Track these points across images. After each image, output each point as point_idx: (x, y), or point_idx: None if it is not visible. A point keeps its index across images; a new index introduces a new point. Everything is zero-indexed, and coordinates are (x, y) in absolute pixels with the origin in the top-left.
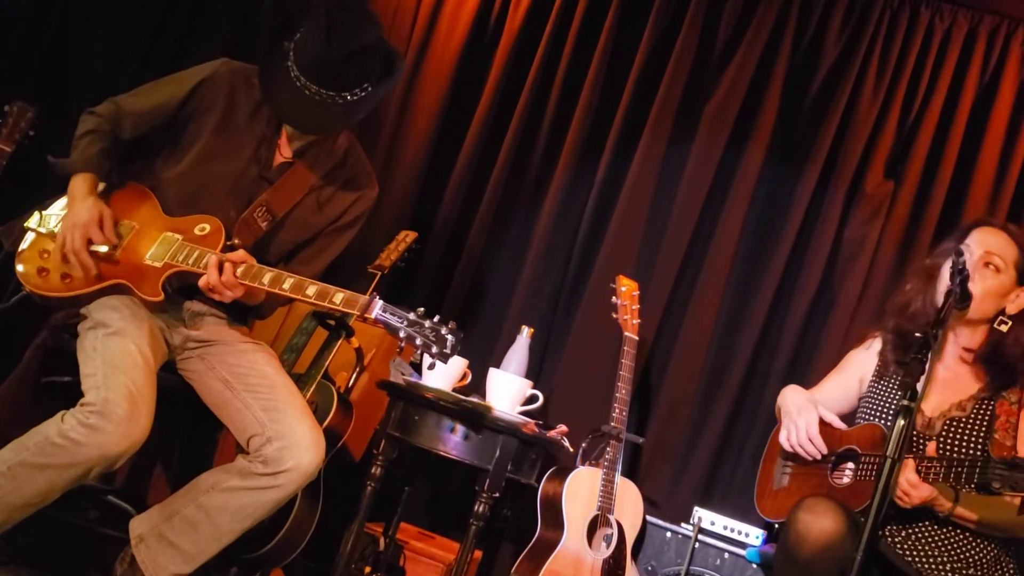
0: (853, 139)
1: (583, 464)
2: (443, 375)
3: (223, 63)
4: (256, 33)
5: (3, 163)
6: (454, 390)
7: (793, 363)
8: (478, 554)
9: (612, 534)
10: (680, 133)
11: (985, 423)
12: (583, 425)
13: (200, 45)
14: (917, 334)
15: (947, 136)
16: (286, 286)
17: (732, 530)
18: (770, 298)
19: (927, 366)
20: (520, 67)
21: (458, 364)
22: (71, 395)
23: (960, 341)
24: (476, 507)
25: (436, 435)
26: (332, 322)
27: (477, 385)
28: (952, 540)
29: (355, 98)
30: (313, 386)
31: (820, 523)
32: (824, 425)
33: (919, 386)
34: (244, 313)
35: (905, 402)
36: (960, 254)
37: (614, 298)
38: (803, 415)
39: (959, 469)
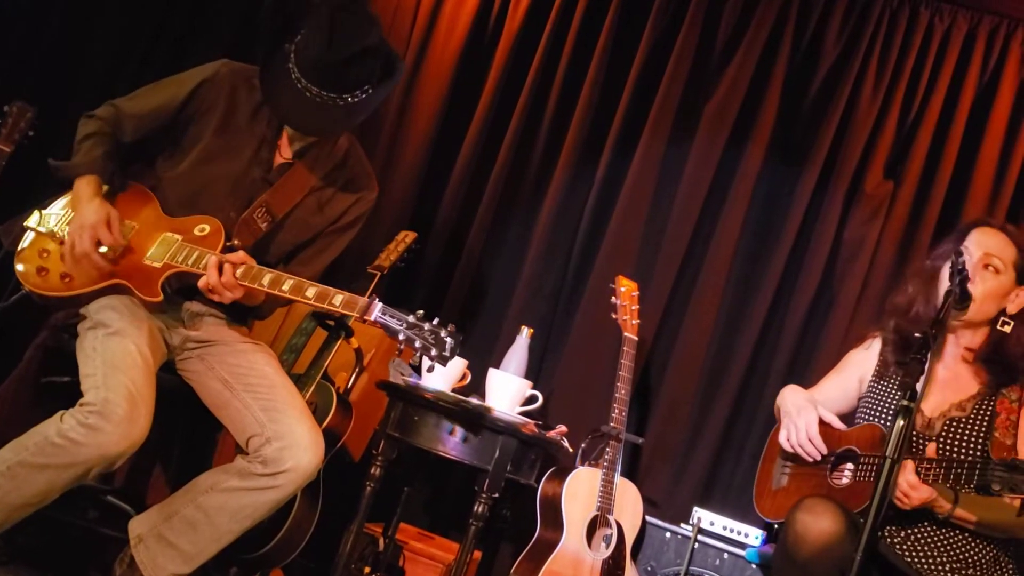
0: (853, 139)
1: (582, 464)
2: (443, 376)
3: (224, 64)
4: (256, 34)
5: (3, 163)
6: (454, 390)
7: (793, 363)
8: (477, 554)
9: (611, 534)
10: (680, 133)
11: (985, 423)
12: (583, 425)
13: (200, 45)
14: (917, 334)
15: (947, 136)
16: (285, 287)
17: (731, 530)
18: (770, 298)
19: (926, 366)
20: (520, 67)
21: (457, 365)
22: (71, 395)
23: (961, 342)
24: (475, 507)
25: (435, 435)
26: (331, 322)
27: (477, 385)
28: (951, 540)
29: (356, 100)
30: (312, 386)
31: (819, 523)
32: (823, 425)
33: (918, 386)
34: (243, 314)
35: (904, 402)
36: (960, 255)
37: (614, 298)
38: (803, 415)
39: (959, 470)
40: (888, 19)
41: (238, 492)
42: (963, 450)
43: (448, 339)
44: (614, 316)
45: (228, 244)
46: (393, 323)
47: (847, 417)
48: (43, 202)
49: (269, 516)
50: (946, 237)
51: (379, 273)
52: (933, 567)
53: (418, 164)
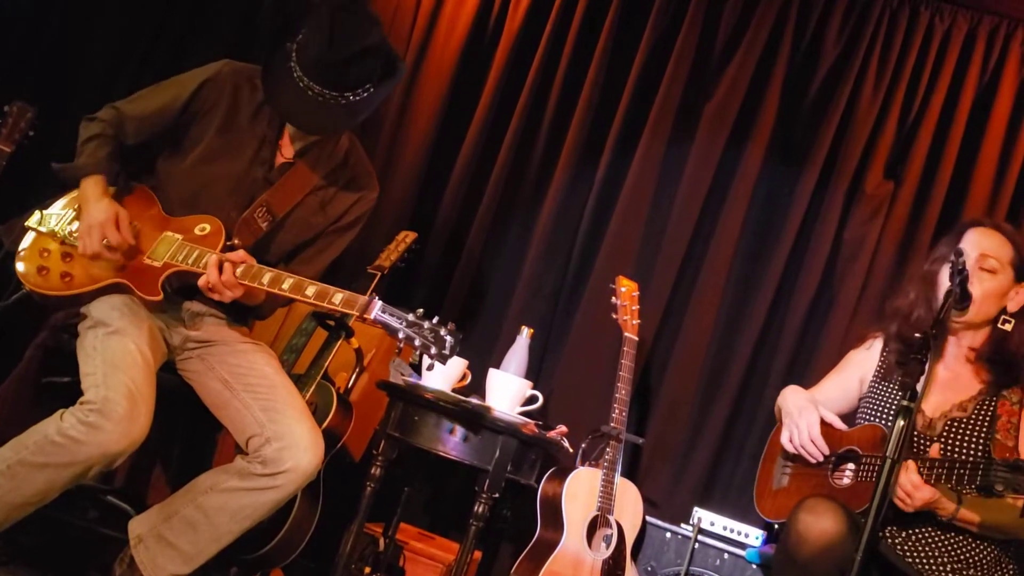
0: (853, 139)
1: (583, 465)
2: (443, 376)
3: (225, 64)
4: (257, 33)
5: (3, 163)
6: (454, 390)
7: (793, 363)
8: (478, 554)
9: (612, 534)
10: (680, 133)
11: (986, 423)
12: (583, 425)
13: (200, 46)
14: (918, 334)
15: (947, 136)
16: (285, 286)
17: (732, 531)
18: (770, 298)
19: (927, 366)
20: (520, 67)
21: (458, 364)
22: (70, 395)
23: (963, 343)
24: (476, 507)
25: (436, 435)
26: (332, 323)
27: (477, 385)
28: (952, 541)
29: (357, 98)
30: (313, 387)
31: (820, 523)
32: (825, 426)
33: (919, 387)
34: (244, 314)
35: (905, 403)
36: (959, 255)
37: (614, 298)
38: (804, 416)
39: (961, 471)
40: (888, 19)
41: (238, 492)
42: (965, 450)
43: (448, 337)
44: (614, 316)
45: (228, 243)
46: (393, 321)
47: (847, 417)
48: (44, 202)
49: (269, 516)
50: (943, 239)
51: (379, 273)
52: (934, 567)
53: (418, 164)
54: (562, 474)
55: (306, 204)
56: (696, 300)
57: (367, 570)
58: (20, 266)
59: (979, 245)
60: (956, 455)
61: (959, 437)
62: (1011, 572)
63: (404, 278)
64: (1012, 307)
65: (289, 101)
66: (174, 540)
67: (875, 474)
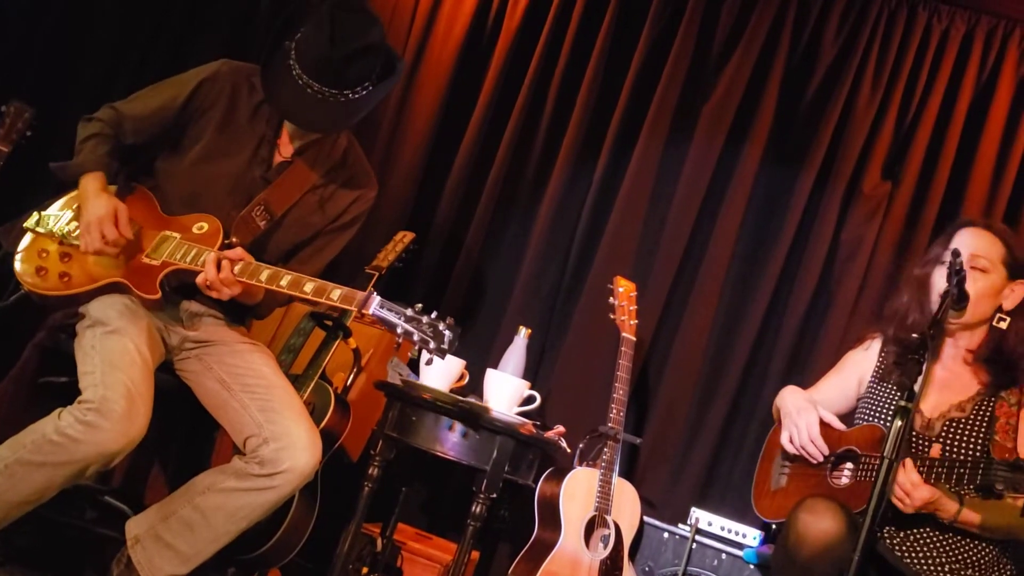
0: (850, 140)
1: (580, 465)
2: (441, 375)
3: (224, 63)
4: (255, 32)
5: (0, 163)
6: (451, 390)
7: (791, 364)
8: (475, 555)
9: (609, 535)
10: (678, 133)
11: (985, 424)
12: (581, 426)
13: (198, 45)
14: (915, 335)
15: (944, 137)
16: (284, 283)
17: (729, 531)
18: (767, 299)
19: (924, 367)
20: (518, 67)
21: (456, 364)
22: (68, 395)
23: (960, 344)
24: (473, 508)
25: (433, 436)
26: (329, 323)
27: (475, 386)
28: (950, 541)
29: (357, 96)
30: (310, 387)
31: (820, 523)
32: (823, 426)
33: (916, 387)
34: (242, 314)
35: (902, 403)
36: (957, 255)
37: (612, 299)
38: (803, 416)
39: (961, 471)
40: (886, 19)
41: (235, 493)
42: (964, 451)
43: (447, 332)
44: (612, 316)
45: (227, 241)
46: (391, 316)
47: (846, 418)
48: (42, 203)
49: (267, 517)
50: (935, 241)
51: (377, 273)
52: (932, 568)
53: (416, 164)
54: (560, 474)
55: (304, 203)
56: (694, 300)
57: (365, 570)
58: (18, 267)
59: (970, 245)
60: (956, 455)
61: (958, 437)
62: (1009, 572)
63: (402, 278)
64: (1008, 305)
65: (288, 99)
66: (171, 540)
67: (874, 474)
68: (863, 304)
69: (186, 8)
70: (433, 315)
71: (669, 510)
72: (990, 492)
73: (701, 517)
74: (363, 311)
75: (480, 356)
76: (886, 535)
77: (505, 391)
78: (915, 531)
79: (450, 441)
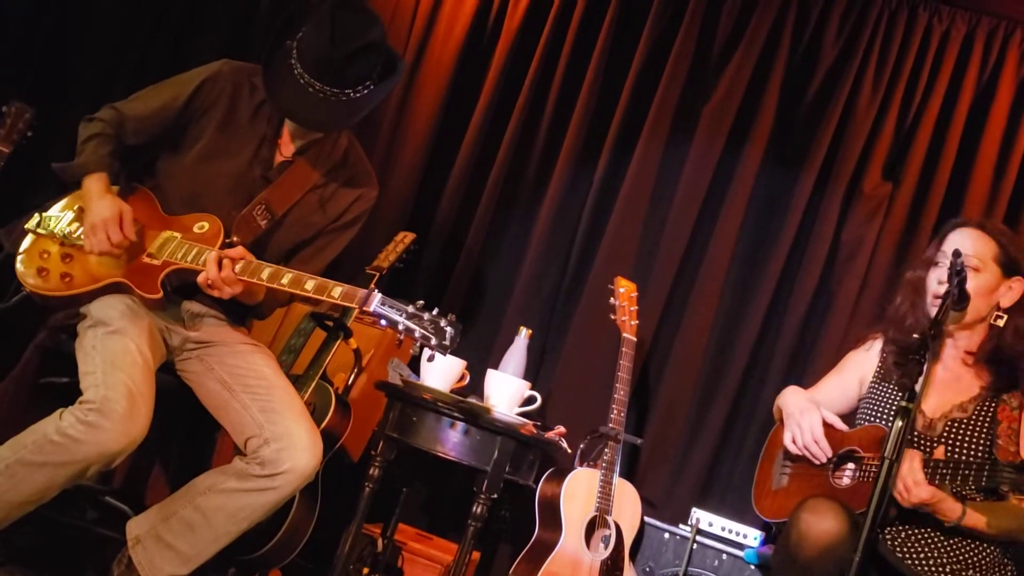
0: (851, 140)
1: (581, 465)
2: (441, 375)
3: (224, 63)
4: (255, 32)
5: (1, 164)
6: (452, 391)
7: (791, 364)
8: (476, 555)
9: (610, 535)
10: (678, 134)
11: (987, 424)
12: (581, 426)
13: (199, 45)
14: (916, 335)
15: (945, 137)
16: (285, 281)
17: (730, 531)
18: (768, 299)
19: (925, 367)
20: (518, 67)
21: (456, 365)
22: (69, 396)
23: (960, 345)
24: (474, 508)
25: (434, 436)
26: (330, 323)
27: (475, 386)
28: (952, 542)
29: (358, 95)
30: (311, 387)
31: (822, 524)
32: (825, 426)
33: (917, 387)
34: (243, 314)
35: (903, 403)
36: (958, 255)
37: (612, 299)
38: (806, 416)
39: (967, 472)
40: (887, 20)
41: (236, 493)
42: (967, 451)
43: (448, 328)
44: (613, 317)
45: (227, 241)
46: (393, 313)
47: (846, 418)
48: (43, 204)
49: (267, 517)
50: (929, 244)
51: (378, 273)
52: (933, 569)
53: (417, 164)
54: (560, 475)
55: (305, 202)
56: (694, 300)
57: (365, 571)
58: (20, 268)
59: (960, 245)
60: (959, 456)
61: (960, 437)
62: (1010, 573)
63: (402, 279)
64: (1005, 302)
65: (290, 98)
66: (172, 541)
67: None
68: (864, 304)
69: (186, 8)
70: (435, 312)
71: (670, 510)
72: (995, 494)
73: (702, 517)
74: (364, 308)
75: (481, 356)
76: (887, 536)
77: (506, 391)
78: (916, 532)
79: (451, 441)
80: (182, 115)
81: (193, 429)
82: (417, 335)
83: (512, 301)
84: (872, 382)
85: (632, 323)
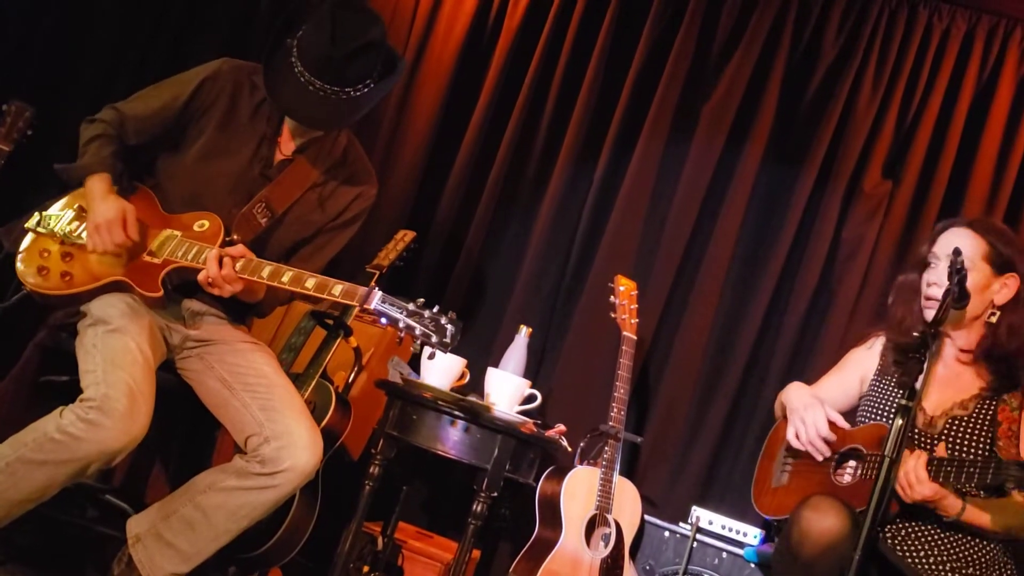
0: (851, 139)
1: (581, 463)
2: (441, 374)
3: (224, 62)
4: (255, 32)
5: (1, 163)
6: (452, 389)
7: (791, 362)
8: (476, 553)
9: (610, 533)
10: (678, 132)
11: (987, 423)
12: (581, 424)
13: (199, 45)
14: (915, 333)
15: (945, 135)
16: (285, 279)
17: (730, 529)
18: (768, 297)
19: (925, 365)
20: (518, 66)
21: (456, 363)
22: (69, 394)
23: (958, 343)
24: (474, 506)
25: (434, 434)
26: (330, 321)
27: (475, 384)
28: (952, 540)
29: (358, 93)
30: (311, 385)
31: (824, 521)
32: (829, 423)
33: (917, 385)
34: (243, 312)
35: (903, 401)
36: (958, 254)
37: (612, 297)
38: (810, 412)
39: (971, 470)
40: (887, 19)
41: (236, 491)
42: (968, 449)
43: (449, 326)
44: (613, 315)
45: (228, 239)
46: (393, 311)
47: (847, 416)
48: (43, 204)
49: (268, 515)
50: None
51: (378, 272)
52: (933, 566)
53: (417, 163)
54: (560, 473)
55: (305, 201)
56: (695, 299)
57: (365, 569)
58: (20, 267)
59: (949, 246)
60: (961, 453)
61: (961, 435)
62: (1010, 571)
63: (403, 277)
64: (999, 300)
65: (290, 97)
66: (172, 539)
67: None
68: (864, 303)
69: (186, 8)
70: (435, 310)
71: (670, 509)
72: (998, 491)
73: (702, 516)
74: (365, 306)
75: (481, 355)
76: (888, 534)
77: (506, 390)
78: (916, 529)
79: (451, 440)
80: (182, 114)
81: (193, 427)
82: (417, 333)
83: (512, 299)
84: (873, 379)
85: (632, 321)
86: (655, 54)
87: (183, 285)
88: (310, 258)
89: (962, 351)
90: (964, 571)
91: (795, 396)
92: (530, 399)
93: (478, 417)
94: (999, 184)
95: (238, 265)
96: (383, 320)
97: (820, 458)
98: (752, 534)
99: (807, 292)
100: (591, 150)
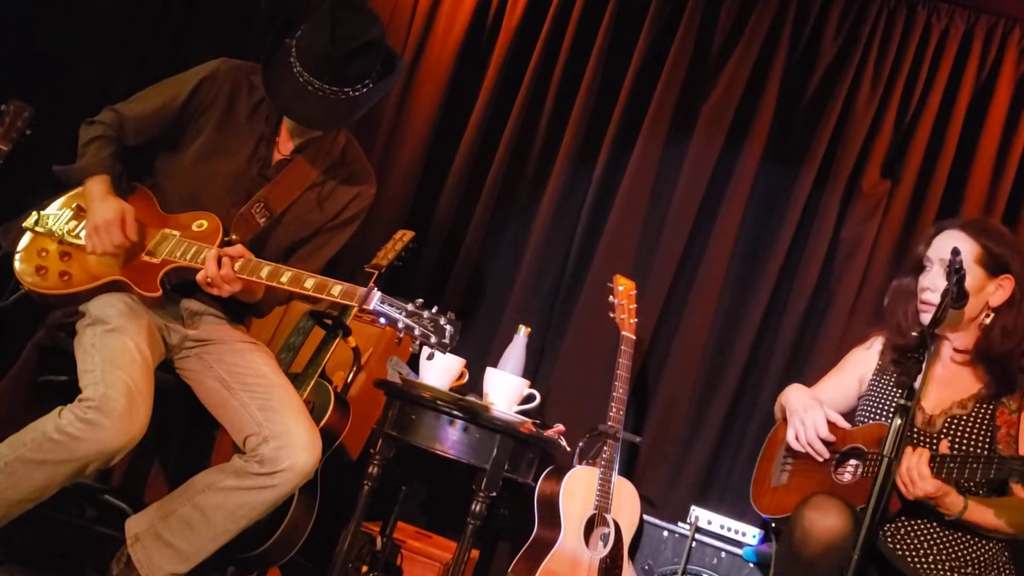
0: (850, 138)
1: (580, 463)
2: (440, 374)
3: (223, 62)
4: (255, 32)
5: (0, 162)
6: (451, 389)
7: (790, 362)
8: (475, 553)
9: (609, 533)
10: (677, 132)
11: (987, 422)
12: (580, 424)
13: (198, 44)
14: (914, 333)
15: (944, 135)
16: (284, 279)
17: (729, 529)
18: (767, 297)
19: (924, 365)
20: (517, 66)
21: (455, 363)
22: (67, 394)
23: (955, 345)
24: (473, 506)
25: (433, 434)
26: (329, 321)
27: (474, 384)
28: (952, 538)
29: (357, 93)
30: (310, 385)
31: (826, 521)
32: (829, 424)
33: (916, 384)
34: (242, 312)
35: (902, 401)
36: (956, 253)
37: (611, 297)
38: (810, 413)
39: (974, 465)
40: (885, 18)
41: (235, 491)
42: (969, 448)
43: (448, 326)
44: (612, 315)
45: (226, 239)
46: (392, 311)
47: (847, 417)
48: (40, 203)
49: (266, 515)
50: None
51: (376, 272)
52: (931, 565)
53: (415, 163)
54: (559, 473)
55: (303, 201)
56: (694, 299)
57: (364, 569)
58: (18, 266)
59: (942, 250)
60: (962, 452)
61: (961, 434)
62: (1008, 571)
63: (401, 277)
64: (995, 301)
65: (289, 96)
66: (171, 539)
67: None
68: (863, 302)
69: (185, 8)
70: (434, 310)
71: (669, 508)
72: (998, 489)
73: (701, 515)
74: (364, 307)
75: (480, 355)
76: (888, 533)
77: (505, 389)
78: (915, 528)
79: (450, 439)
80: (181, 114)
81: (192, 427)
82: (417, 333)
83: (511, 299)
84: (872, 379)
85: (631, 321)
86: (654, 54)
87: (182, 285)
88: (308, 258)
89: (960, 352)
90: (964, 570)
91: (794, 398)
92: (529, 399)
93: (477, 417)
94: (998, 183)
95: (237, 265)
96: (382, 320)
97: (820, 459)
98: (751, 534)
99: (806, 292)
100: (590, 149)
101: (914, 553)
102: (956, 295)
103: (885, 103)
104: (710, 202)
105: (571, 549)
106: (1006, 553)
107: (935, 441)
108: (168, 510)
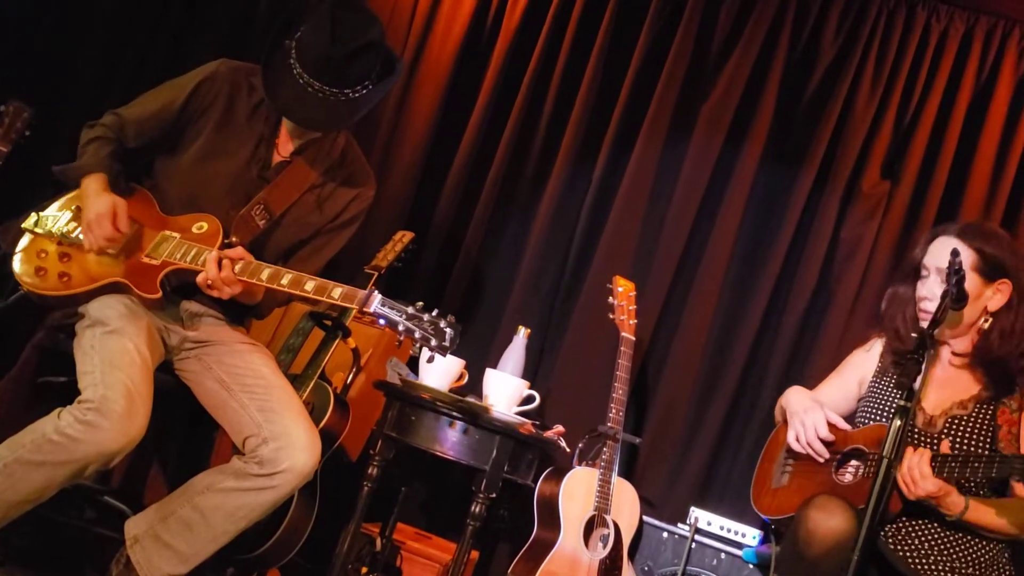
0: (850, 139)
1: (580, 464)
2: (440, 375)
3: (222, 63)
4: (255, 32)
5: None
6: (451, 390)
7: (790, 363)
8: (475, 554)
9: (609, 534)
10: (677, 133)
11: (987, 422)
12: (580, 425)
13: (198, 45)
14: (913, 334)
15: (943, 136)
16: (284, 281)
17: (729, 530)
18: (767, 298)
19: (923, 366)
20: (517, 67)
21: (455, 364)
22: (67, 395)
23: (954, 348)
24: (473, 507)
25: (433, 435)
26: (329, 322)
27: (474, 385)
28: (952, 539)
29: (357, 95)
30: (309, 386)
31: (830, 521)
32: (829, 426)
33: (915, 386)
34: (242, 314)
35: (901, 402)
36: (956, 254)
37: (611, 298)
38: (810, 415)
39: (976, 464)
40: (885, 19)
41: (234, 492)
42: (970, 448)
43: (448, 329)
44: (611, 316)
45: (226, 241)
46: (392, 314)
47: (847, 420)
48: (40, 204)
49: (266, 516)
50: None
51: (376, 273)
52: (931, 566)
53: (415, 164)
54: (559, 474)
55: (303, 202)
56: (693, 300)
57: (364, 570)
58: (17, 267)
59: (938, 257)
60: (964, 452)
61: (962, 434)
62: (1009, 572)
63: (401, 278)
64: (993, 306)
65: (289, 98)
66: (170, 540)
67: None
68: (862, 303)
69: (185, 8)
70: (434, 313)
71: (668, 509)
72: (999, 489)
73: (700, 516)
74: (364, 309)
75: (479, 356)
76: (888, 534)
77: (504, 391)
78: (917, 528)
79: (449, 441)
80: (180, 116)
81: (191, 428)
82: (417, 336)
83: (511, 300)
84: (872, 381)
85: (631, 322)
86: (653, 54)
87: (182, 286)
88: (308, 259)
89: (959, 356)
90: (963, 571)
91: (795, 400)
92: (528, 400)
93: (477, 418)
94: (997, 184)
95: (237, 267)
96: (382, 322)
97: (820, 460)
98: (751, 535)
99: (806, 292)
100: (590, 150)
101: (914, 554)
102: (956, 296)
103: (885, 104)
104: (710, 202)
105: (571, 550)
106: (1007, 554)
107: (936, 441)
108: (167, 511)
